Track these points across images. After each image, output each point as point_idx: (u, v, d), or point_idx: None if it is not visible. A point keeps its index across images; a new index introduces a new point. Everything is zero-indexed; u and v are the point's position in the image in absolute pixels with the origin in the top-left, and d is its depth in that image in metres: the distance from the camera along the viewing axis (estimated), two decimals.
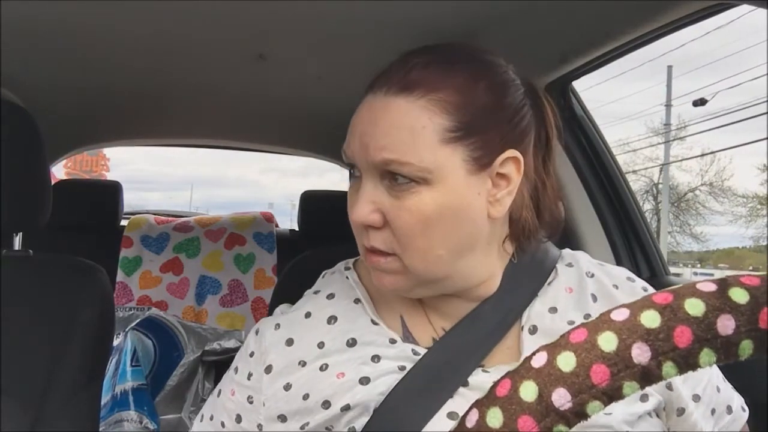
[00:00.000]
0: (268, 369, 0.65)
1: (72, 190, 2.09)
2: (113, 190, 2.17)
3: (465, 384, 0.61)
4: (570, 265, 0.71)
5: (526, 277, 0.68)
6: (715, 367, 0.67)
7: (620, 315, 0.38)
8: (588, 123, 1.38)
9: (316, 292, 0.72)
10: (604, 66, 1.20)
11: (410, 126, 0.58)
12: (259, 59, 1.34)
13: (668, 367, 0.36)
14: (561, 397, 0.36)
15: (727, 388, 0.69)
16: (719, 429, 0.64)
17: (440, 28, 1.16)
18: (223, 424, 0.67)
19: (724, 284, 0.38)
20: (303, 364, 0.64)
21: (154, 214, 2.35)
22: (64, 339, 0.90)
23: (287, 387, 0.63)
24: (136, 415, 1.59)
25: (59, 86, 1.53)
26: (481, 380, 0.61)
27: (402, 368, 0.62)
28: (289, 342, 0.66)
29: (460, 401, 0.60)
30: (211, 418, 0.69)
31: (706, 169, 18.22)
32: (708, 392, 0.65)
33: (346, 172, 1.00)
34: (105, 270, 0.99)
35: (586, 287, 0.68)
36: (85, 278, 0.96)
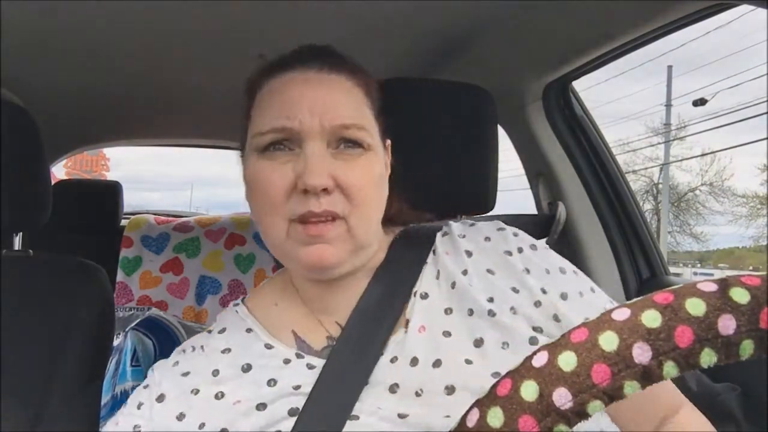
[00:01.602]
0: (161, 398, 0.64)
1: (72, 190, 2.09)
2: (113, 190, 2.18)
3: (367, 383, 0.61)
4: (445, 233, 0.73)
5: (410, 252, 0.71)
6: (582, 282, 0.69)
7: (621, 315, 0.38)
8: (588, 123, 1.38)
9: (209, 331, 0.72)
10: (604, 66, 1.21)
11: (355, 98, 0.66)
12: (259, 59, 1.34)
13: (669, 366, 0.36)
14: (562, 397, 0.36)
15: (598, 296, 0.69)
16: None
17: (440, 28, 1.17)
18: None
19: (724, 284, 0.38)
20: (196, 392, 0.64)
21: (154, 214, 2.35)
22: (64, 339, 0.90)
23: (180, 417, 0.63)
24: None
25: (59, 86, 1.53)
26: (383, 371, 0.62)
27: (297, 387, 0.62)
28: (185, 374, 0.66)
29: (367, 400, 0.60)
30: None
31: (706, 169, 18.23)
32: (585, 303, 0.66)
33: None
34: (105, 270, 0.99)
35: (460, 247, 0.70)
36: (85, 278, 0.96)
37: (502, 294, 0.65)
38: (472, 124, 0.98)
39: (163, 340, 1.77)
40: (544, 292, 0.64)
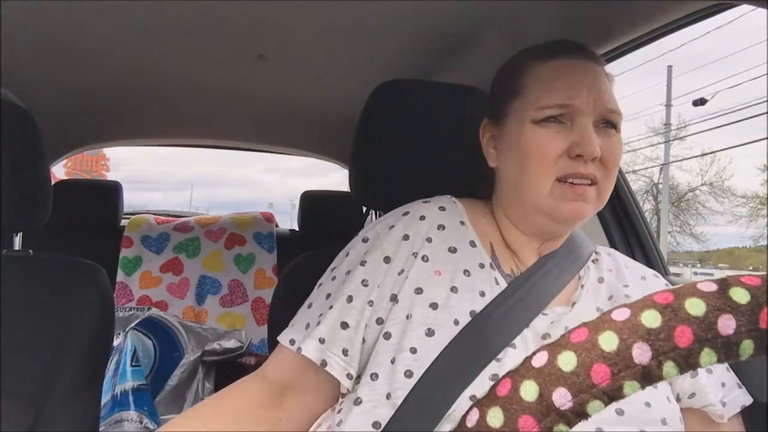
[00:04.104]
0: (387, 259, 0.74)
1: (72, 190, 2.09)
2: (113, 190, 2.17)
3: (527, 324, 0.71)
4: (609, 254, 0.84)
5: (582, 245, 0.82)
6: None
7: (621, 315, 0.38)
8: None
9: (426, 201, 0.82)
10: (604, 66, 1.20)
11: (612, 89, 0.77)
12: (259, 59, 1.34)
13: (669, 366, 0.36)
14: (561, 397, 0.36)
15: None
16: (727, 400, 0.73)
17: (440, 28, 1.16)
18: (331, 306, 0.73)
19: (724, 284, 0.38)
20: (415, 255, 0.74)
21: (154, 214, 2.35)
22: (64, 339, 0.89)
23: (400, 272, 0.73)
24: (136, 415, 1.59)
25: (59, 86, 1.53)
26: (539, 323, 0.71)
27: (482, 293, 0.71)
28: (405, 237, 0.76)
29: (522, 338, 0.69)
30: (328, 297, 0.75)
31: (706, 169, 18.22)
32: (719, 368, 0.75)
33: (347, 173, 1.00)
34: (105, 270, 0.99)
35: (624, 275, 0.81)
36: (85, 278, 0.95)
37: None
38: (470, 126, 0.98)
39: (163, 340, 1.77)
40: None
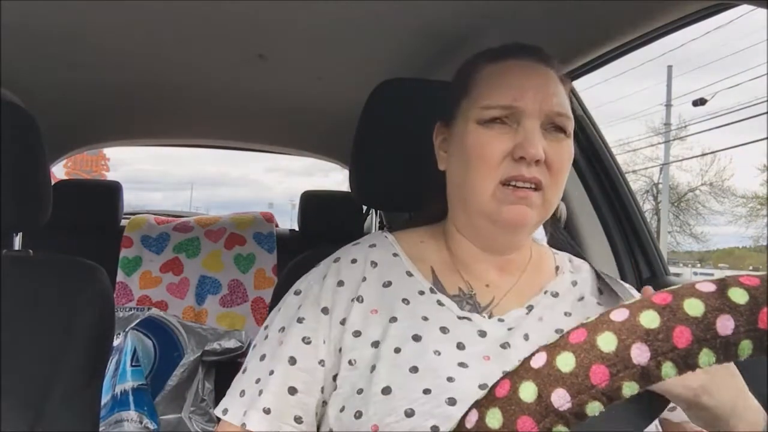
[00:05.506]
0: (325, 310, 0.72)
1: (72, 190, 2.09)
2: (113, 190, 2.17)
3: (483, 335, 0.69)
4: (571, 260, 0.83)
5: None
6: None
7: (619, 315, 0.38)
8: (588, 123, 1.38)
9: (356, 244, 0.80)
10: (604, 66, 1.21)
11: (563, 92, 0.74)
12: (259, 59, 1.34)
13: (667, 367, 0.36)
14: (560, 398, 0.36)
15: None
16: None
17: (439, 28, 1.17)
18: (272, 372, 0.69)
19: (723, 284, 0.38)
20: (353, 300, 0.72)
21: (154, 214, 2.35)
22: (64, 339, 0.90)
23: (342, 321, 0.71)
24: (136, 415, 1.59)
25: (59, 86, 1.53)
26: (497, 331, 0.70)
27: (425, 318, 0.69)
28: (340, 284, 0.74)
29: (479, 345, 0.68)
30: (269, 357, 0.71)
31: (706, 169, 18.22)
32: None
33: (347, 173, 0.99)
34: (105, 270, 0.99)
35: (587, 280, 0.80)
36: (85, 278, 0.96)
37: None
38: None
39: (163, 340, 1.77)
40: None
